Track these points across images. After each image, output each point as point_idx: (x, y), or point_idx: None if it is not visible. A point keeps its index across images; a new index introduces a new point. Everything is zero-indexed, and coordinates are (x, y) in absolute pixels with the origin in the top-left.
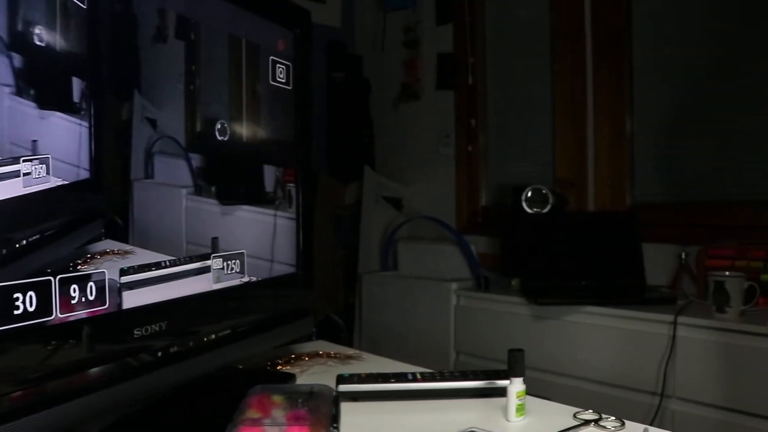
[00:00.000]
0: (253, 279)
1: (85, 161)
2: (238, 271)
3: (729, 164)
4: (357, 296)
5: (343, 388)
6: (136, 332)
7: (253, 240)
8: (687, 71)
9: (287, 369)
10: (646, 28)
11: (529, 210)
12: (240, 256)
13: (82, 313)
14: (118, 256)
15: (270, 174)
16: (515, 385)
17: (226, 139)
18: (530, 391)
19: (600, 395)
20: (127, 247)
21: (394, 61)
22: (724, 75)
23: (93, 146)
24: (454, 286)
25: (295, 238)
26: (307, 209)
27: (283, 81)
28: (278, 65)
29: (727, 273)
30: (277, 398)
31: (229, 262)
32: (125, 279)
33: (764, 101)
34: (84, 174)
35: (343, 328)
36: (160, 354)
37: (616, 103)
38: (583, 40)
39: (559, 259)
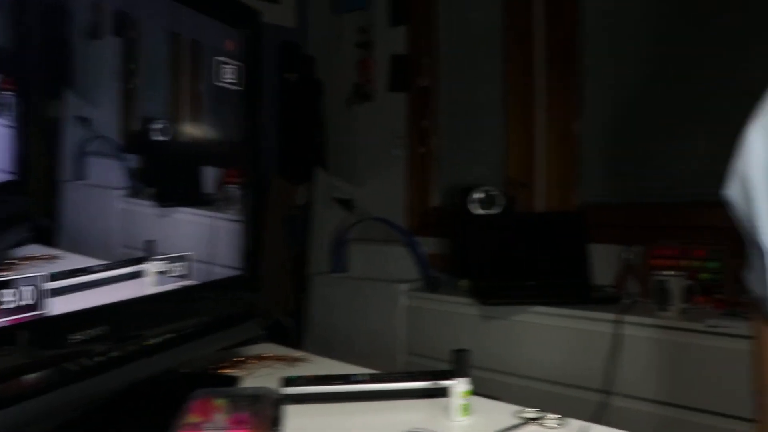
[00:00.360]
0: (196, 282)
1: (8, 162)
2: (178, 273)
3: (673, 166)
4: (307, 298)
5: (287, 390)
6: (72, 337)
7: (196, 242)
8: (635, 73)
9: (232, 372)
10: (596, 30)
11: (477, 211)
12: (180, 258)
13: (7, 320)
14: (45, 261)
15: (212, 175)
16: (459, 385)
17: (165, 139)
18: (479, 391)
19: (548, 394)
20: (56, 252)
21: (348, 63)
22: (670, 77)
23: (18, 146)
24: (403, 287)
25: (241, 239)
26: (256, 211)
27: (232, 81)
28: (225, 65)
29: (668, 272)
30: (219, 402)
31: (169, 264)
32: (53, 285)
33: (706, 104)
34: (7, 176)
35: (293, 331)
36: (99, 359)
37: (565, 104)
38: (534, 42)
39: (507, 259)
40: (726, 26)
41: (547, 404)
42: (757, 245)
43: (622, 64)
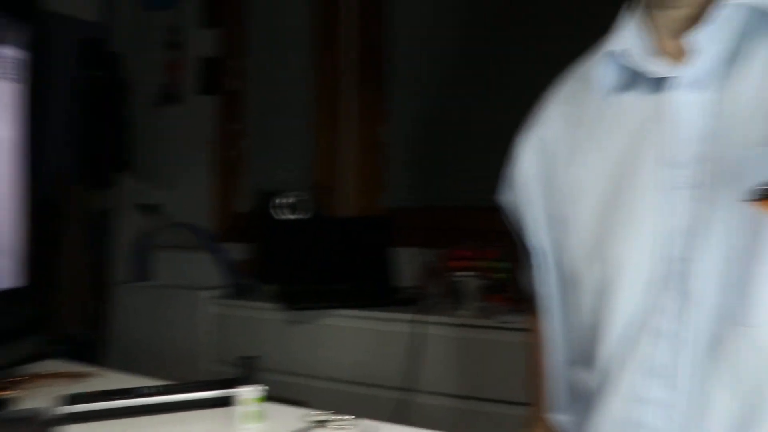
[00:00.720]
0: None
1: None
2: None
3: (474, 170)
4: (110, 309)
5: (67, 409)
6: None
7: None
8: (440, 79)
9: (5, 394)
10: (403, 39)
11: (285, 215)
12: None
13: None
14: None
15: None
16: (247, 393)
17: None
18: (286, 396)
19: (352, 395)
20: None
21: (156, 63)
22: (473, 84)
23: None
24: (206, 294)
25: (22, 247)
26: (43, 217)
27: (8, 77)
28: None
29: (465, 273)
30: None
31: None
32: None
33: (504, 112)
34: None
35: (92, 344)
36: None
37: (372, 109)
38: (340, 46)
39: (312, 264)
40: (524, 37)
41: (351, 405)
42: (524, 246)
43: (427, 70)
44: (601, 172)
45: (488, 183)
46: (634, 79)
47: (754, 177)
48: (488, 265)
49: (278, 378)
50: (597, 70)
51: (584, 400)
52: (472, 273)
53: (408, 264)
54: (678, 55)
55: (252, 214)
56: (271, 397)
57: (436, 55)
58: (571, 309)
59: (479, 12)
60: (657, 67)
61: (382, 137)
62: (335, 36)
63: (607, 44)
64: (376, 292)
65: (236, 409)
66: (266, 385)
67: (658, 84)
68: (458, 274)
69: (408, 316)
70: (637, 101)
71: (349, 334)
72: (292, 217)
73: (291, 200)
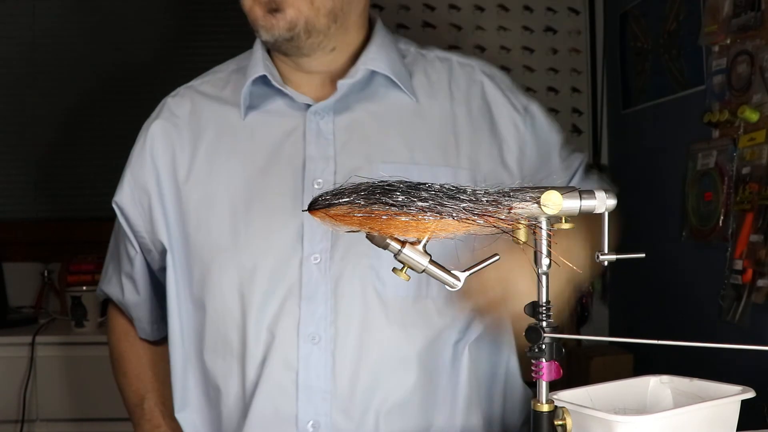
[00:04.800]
0: None
1: None
2: None
3: (99, 182)
4: None
5: None
6: None
7: None
8: (75, 87)
9: None
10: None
11: None
12: None
13: None
14: None
15: None
16: None
17: None
18: None
19: None
20: None
21: None
22: (97, 97)
23: None
24: None
25: None
26: None
27: None
28: None
29: (84, 288)
30: None
31: None
32: None
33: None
34: None
35: None
36: None
37: None
38: None
39: None
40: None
41: None
42: (123, 251)
43: (64, 78)
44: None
45: (108, 195)
46: (269, 100)
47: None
48: None
49: None
50: (243, 90)
51: (217, 389)
52: (93, 287)
53: (19, 280)
54: (305, 86)
55: None
56: None
57: (74, 59)
58: (208, 298)
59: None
60: (297, 95)
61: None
62: None
63: (250, 69)
64: None
65: None
66: None
67: (294, 106)
68: (76, 288)
69: (26, 339)
70: (275, 119)
71: None
72: None
73: None
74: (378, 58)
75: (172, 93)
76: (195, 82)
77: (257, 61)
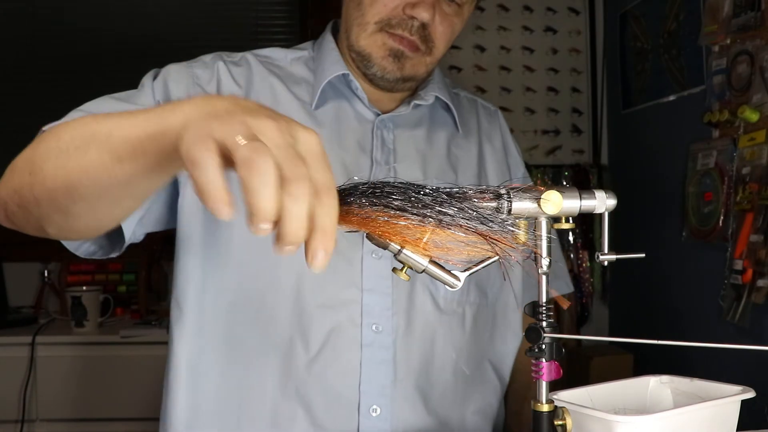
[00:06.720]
0: None
1: None
2: None
3: None
4: None
5: None
6: None
7: None
8: None
9: None
10: None
11: None
12: None
13: None
14: None
15: None
16: None
17: None
18: None
19: None
20: None
21: None
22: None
23: None
24: None
25: None
26: None
27: None
28: None
29: (83, 288)
30: None
31: None
32: None
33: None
34: None
35: None
36: None
37: None
38: None
39: None
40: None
41: None
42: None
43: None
44: None
45: None
46: (333, 101)
47: None
48: (111, 278)
49: None
50: (323, 84)
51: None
52: (92, 287)
53: (20, 281)
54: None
55: None
56: None
57: None
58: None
59: None
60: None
61: None
62: None
63: (329, 65)
64: None
65: None
66: None
67: (360, 111)
68: (76, 288)
69: (26, 339)
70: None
71: None
72: None
73: None
74: (442, 87)
75: (231, 58)
76: (251, 58)
77: (335, 60)
